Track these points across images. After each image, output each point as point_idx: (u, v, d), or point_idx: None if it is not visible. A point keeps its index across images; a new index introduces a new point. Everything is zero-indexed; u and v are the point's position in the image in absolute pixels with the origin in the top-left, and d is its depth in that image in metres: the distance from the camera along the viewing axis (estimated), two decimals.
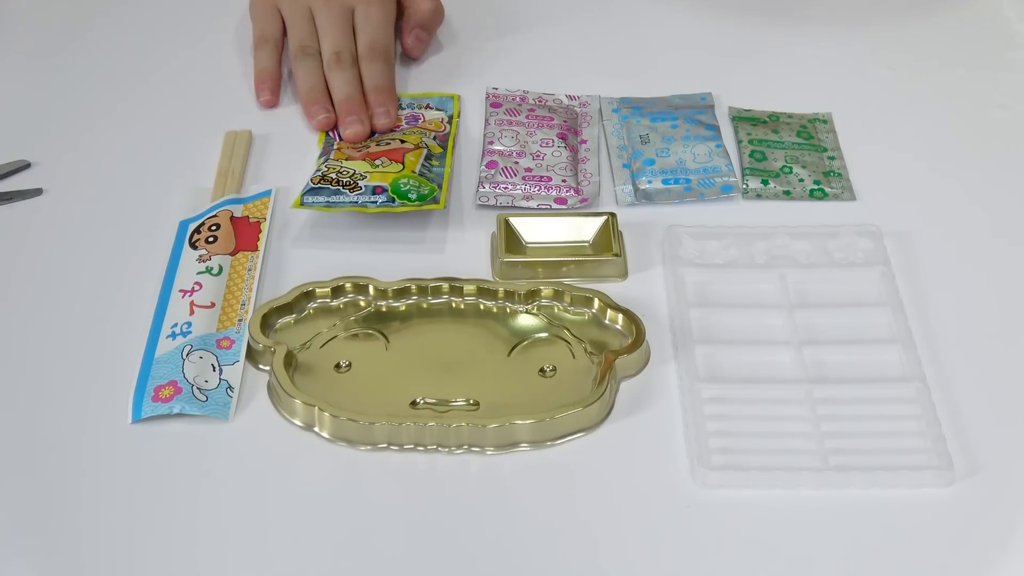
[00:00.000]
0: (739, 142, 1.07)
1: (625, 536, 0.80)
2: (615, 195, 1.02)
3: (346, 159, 0.99)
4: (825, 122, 1.10)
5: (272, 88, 1.09)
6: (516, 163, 1.02)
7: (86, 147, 1.06)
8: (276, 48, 1.11)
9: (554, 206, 1.00)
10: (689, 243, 0.96)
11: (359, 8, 1.11)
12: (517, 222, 0.97)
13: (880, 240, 0.96)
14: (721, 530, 0.80)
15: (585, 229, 0.98)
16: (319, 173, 0.97)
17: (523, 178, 1.01)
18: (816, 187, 1.03)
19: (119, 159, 1.05)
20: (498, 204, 1.00)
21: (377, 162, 0.98)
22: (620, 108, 1.10)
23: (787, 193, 1.02)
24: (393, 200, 0.95)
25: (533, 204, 1.00)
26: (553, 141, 1.04)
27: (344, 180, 0.96)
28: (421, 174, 0.98)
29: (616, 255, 0.95)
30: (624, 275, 0.96)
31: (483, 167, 1.02)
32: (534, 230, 0.97)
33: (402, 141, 1.02)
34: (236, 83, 1.13)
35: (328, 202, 0.95)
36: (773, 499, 0.81)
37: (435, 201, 0.96)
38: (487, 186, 1.01)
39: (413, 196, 0.95)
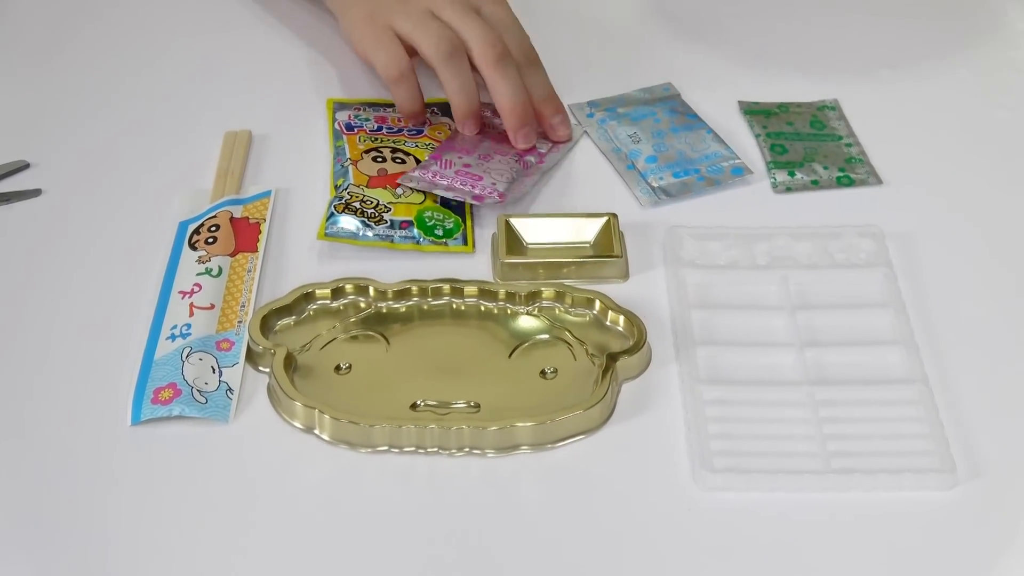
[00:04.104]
0: (756, 136, 1.07)
1: (627, 539, 0.80)
2: (636, 199, 1.01)
3: (367, 183, 0.99)
4: (834, 109, 1.09)
5: (418, 116, 1.02)
6: (460, 158, 1.01)
7: (85, 147, 1.06)
8: (414, 77, 1.01)
9: (471, 200, 0.98)
10: (690, 244, 0.96)
11: (485, 8, 1.01)
12: (518, 223, 0.97)
13: (882, 241, 0.96)
14: (723, 533, 0.80)
15: (586, 230, 0.97)
16: (341, 200, 0.97)
17: (457, 172, 1.00)
18: (842, 174, 1.02)
19: (118, 159, 1.05)
20: (417, 188, 0.98)
21: (398, 191, 0.98)
22: (594, 112, 1.09)
23: (815, 183, 1.02)
24: (420, 238, 0.96)
25: (451, 195, 0.98)
26: (508, 151, 1.03)
27: (368, 211, 0.96)
28: (443, 200, 0.99)
29: (617, 256, 0.95)
30: (625, 276, 0.95)
31: (428, 158, 1.01)
32: (535, 231, 0.97)
33: (417, 159, 1.02)
34: (236, 83, 1.13)
35: (353, 235, 0.95)
36: (775, 502, 0.81)
37: (462, 240, 0.97)
38: (417, 171, 0.99)
39: (439, 232, 0.96)
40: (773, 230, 0.97)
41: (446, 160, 1.00)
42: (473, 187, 0.98)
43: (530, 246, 0.97)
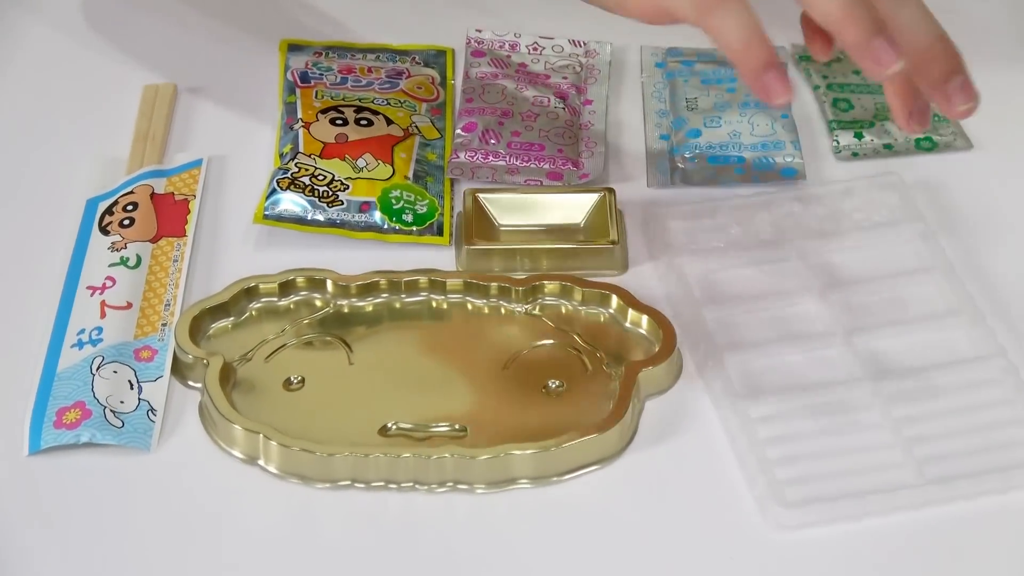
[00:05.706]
0: (815, 88, 1.01)
1: None
2: (646, 173, 0.95)
3: (321, 152, 0.93)
4: None
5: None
6: (500, 124, 0.96)
7: None
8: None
9: (546, 182, 0.93)
10: (676, 226, 0.91)
11: None
12: (488, 199, 0.91)
13: (906, 191, 0.92)
14: None
15: (575, 209, 0.91)
16: (287, 175, 0.91)
17: (508, 145, 0.95)
18: (922, 136, 0.98)
19: (12, 122, 1.00)
20: (475, 177, 0.93)
21: (360, 162, 0.92)
22: (666, 62, 1.02)
23: (888, 147, 0.97)
24: (384, 224, 0.91)
25: (520, 179, 0.93)
26: (549, 100, 0.97)
27: (320, 189, 0.90)
28: (417, 176, 0.93)
29: (613, 242, 0.89)
30: (623, 267, 0.89)
31: (459, 130, 0.96)
32: (510, 209, 0.91)
33: (388, 121, 0.96)
34: (155, 27, 1.07)
35: (300, 219, 0.90)
36: (864, 530, 0.76)
37: (436, 230, 0.91)
38: (462, 155, 0.94)
39: (408, 218, 0.91)
40: (772, 195, 0.92)
41: (485, 131, 0.95)
42: (540, 162, 0.94)
43: (503, 229, 0.91)
